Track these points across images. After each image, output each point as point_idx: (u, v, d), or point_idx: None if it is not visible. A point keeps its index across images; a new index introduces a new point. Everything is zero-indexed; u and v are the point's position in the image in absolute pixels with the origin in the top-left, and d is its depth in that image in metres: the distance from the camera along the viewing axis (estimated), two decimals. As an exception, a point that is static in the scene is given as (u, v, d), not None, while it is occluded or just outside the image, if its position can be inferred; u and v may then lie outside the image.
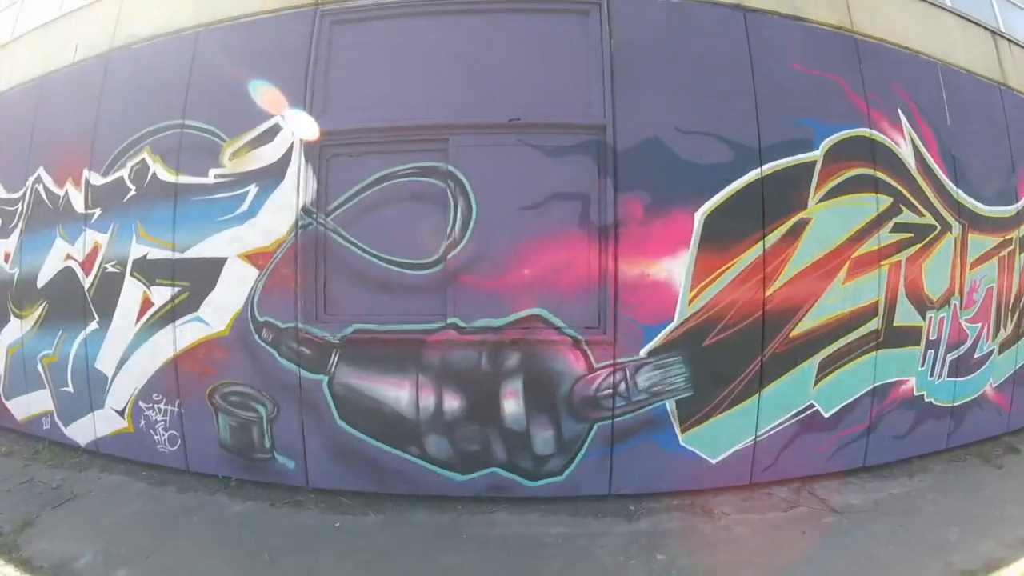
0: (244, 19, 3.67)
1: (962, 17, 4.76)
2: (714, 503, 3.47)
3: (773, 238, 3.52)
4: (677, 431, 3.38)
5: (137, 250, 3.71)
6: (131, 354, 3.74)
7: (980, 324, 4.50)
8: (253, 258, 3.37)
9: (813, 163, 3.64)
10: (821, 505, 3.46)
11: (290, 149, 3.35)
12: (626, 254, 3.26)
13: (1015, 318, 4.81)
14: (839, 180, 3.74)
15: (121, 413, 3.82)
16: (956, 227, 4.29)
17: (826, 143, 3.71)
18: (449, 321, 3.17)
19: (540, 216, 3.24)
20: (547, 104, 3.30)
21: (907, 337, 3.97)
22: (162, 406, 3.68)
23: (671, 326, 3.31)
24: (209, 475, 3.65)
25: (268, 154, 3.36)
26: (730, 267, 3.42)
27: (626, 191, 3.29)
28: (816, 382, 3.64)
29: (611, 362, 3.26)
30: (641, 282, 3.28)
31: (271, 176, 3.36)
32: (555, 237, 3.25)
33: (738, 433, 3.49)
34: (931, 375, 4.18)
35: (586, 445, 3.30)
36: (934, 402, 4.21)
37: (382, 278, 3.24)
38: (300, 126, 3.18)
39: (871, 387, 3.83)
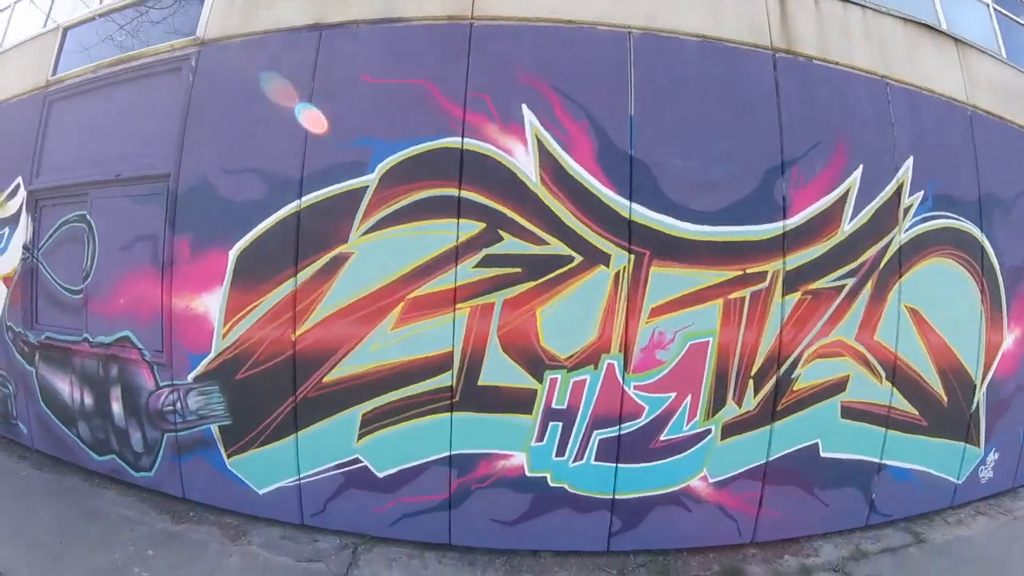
0: (14, 99, 4.31)
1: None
2: (254, 532, 3.09)
3: (305, 275, 2.87)
4: (223, 454, 3.11)
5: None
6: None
7: (673, 394, 2.74)
8: (5, 280, 4.20)
9: (364, 189, 2.83)
10: (334, 568, 2.73)
11: (23, 202, 4.11)
12: (177, 290, 3.13)
13: (765, 389, 2.79)
14: (398, 206, 2.79)
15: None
16: (620, 257, 2.71)
17: (384, 164, 2.81)
18: (84, 336, 3.58)
19: (129, 255, 3.36)
20: (141, 158, 3.35)
21: (505, 401, 2.76)
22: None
23: (209, 357, 3.05)
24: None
25: (12, 206, 4.18)
26: (258, 305, 2.93)
27: (179, 232, 3.13)
28: (360, 436, 2.86)
29: (170, 383, 3.20)
30: (187, 315, 3.11)
31: (13, 222, 4.15)
32: (137, 273, 3.31)
33: (281, 470, 3.01)
34: (558, 454, 2.77)
35: (161, 450, 3.32)
36: (570, 489, 2.81)
37: (61, 299, 3.79)
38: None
39: (446, 454, 2.81)
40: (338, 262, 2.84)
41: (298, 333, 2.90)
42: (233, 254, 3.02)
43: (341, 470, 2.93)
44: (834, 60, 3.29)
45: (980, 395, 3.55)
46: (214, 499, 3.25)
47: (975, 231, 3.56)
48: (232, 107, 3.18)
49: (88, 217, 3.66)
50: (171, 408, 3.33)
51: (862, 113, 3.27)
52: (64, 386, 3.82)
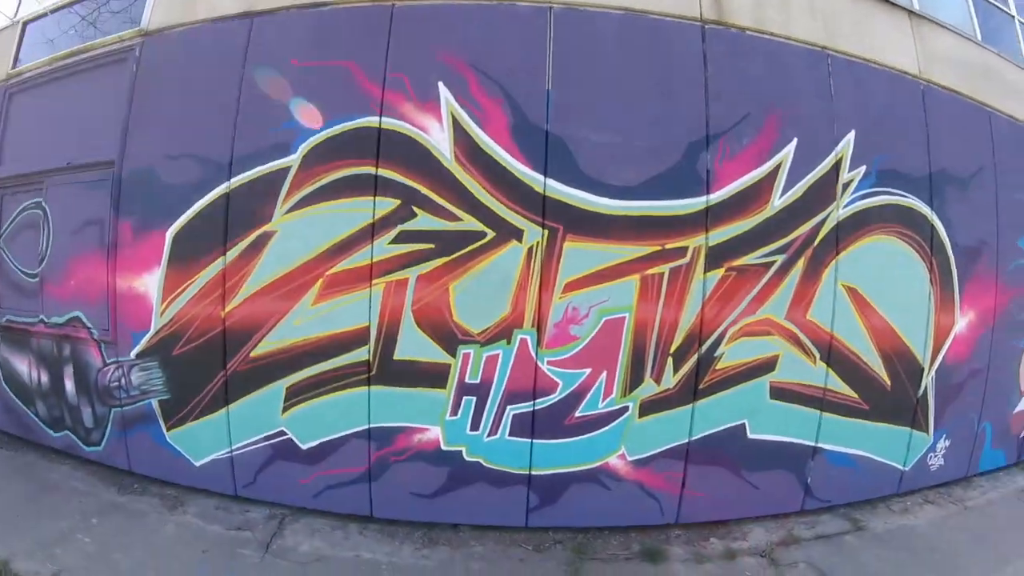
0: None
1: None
2: (191, 502, 3.22)
3: (233, 254, 2.98)
4: (163, 428, 3.24)
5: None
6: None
7: (588, 370, 2.75)
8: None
9: (287, 169, 2.89)
10: (260, 537, 2.85)
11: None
12: (121, 270, 3.28)
13: (685, 367, 2.76)
14: (318, 185, 2.87)
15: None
16: (533, 232, 2.73)
17: (306, 145, 2.89)
18: (39, 317, 3.77)
19: (80, 239, 3.52)
20: (91, 146, 3.49)
21: (419, 376, 2.81)
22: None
23: (149, 334, 3.19)
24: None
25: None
26: (192, 283, 3.05)
27: (123, 216, 3.27)
28: (285, 409, 2.95)
29: (116, 360, 3.37)
30: (129, 294, 3.25)
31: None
32: (86, 255, 3.47)
33: (215, 442, 3.14)
34: (472, 429, 2.81)
35: (109, 425, 3.49)
36: (485, 464, 2.84)
37: (20, 283, 3.97)
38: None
39: (365, 427, 2.88)
40: (263, 240, 2.93)
41: (227, 310, 3.01)
42: (169, 235, 3.14)
43: (268, 442, 3.04)
44: (770, 31, 3.22)
45: (928, 380, 3.45)
46: (156, 471, 3.40)
47: (924, 209, 3.46)
48: (171, 95, 3.30)
49: (44, 204, 3.84)
50: (116, 384, 3.48)
51: (799, 85, 3.20)
52: (23, 366, 4.02)
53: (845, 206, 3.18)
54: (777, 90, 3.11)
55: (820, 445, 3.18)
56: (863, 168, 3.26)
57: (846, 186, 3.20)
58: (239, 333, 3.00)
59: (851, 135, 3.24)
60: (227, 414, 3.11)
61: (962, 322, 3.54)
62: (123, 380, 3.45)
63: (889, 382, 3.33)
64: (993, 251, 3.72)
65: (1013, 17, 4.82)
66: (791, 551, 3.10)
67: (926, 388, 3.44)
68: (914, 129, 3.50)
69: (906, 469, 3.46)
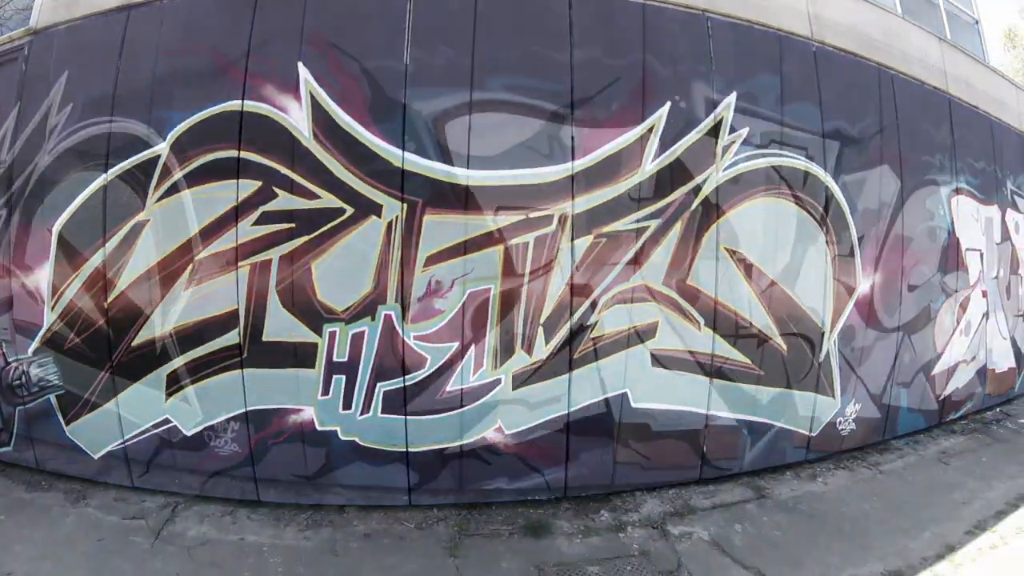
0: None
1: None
2: (93, 495, 3.25)
3: (112, 245, 3.04)
4: (62, 423, 3.31)
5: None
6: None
7: (456, 344, 2.75)
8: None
9: (157, 158, 2.95)
10: (152, 524, 2.90)
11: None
12: (15, 269, 3.32)
13: (557, 337, 2.75)
14: (186, 171, 2.92)
15: None
16: (392, 207, 2.74)
17: (175, 132, 2.95)
18: None
19: None
20: None
21: (289, 356, 2.85)
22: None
23: (43, 330, 3.25)
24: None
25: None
26: (76, 277, 3.12)
27: (16, 215, 3.29)
28: (168, 396, 3.00)
29: (16, 358, 3.44)
30: (24, 291, 3.31)
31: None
32: None
33: (108, 435, 3.19)
34: (345, 407, 2.83)
35: (16, 424, 3.55)
36: (361, 443, 2.86)
37: None
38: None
39: (242, 411, 2.92)
40: (137, 230, 3.00)
41: (109, 300, 3.09)
42: (55, 231, 3.21)
43: (156, 431, 3.09)
44: (645, -5, 3.27)
45: (830, 344, 3.42)
46: (61, 467, 3.44)
47: (817, 170, 3.42)
48: (55, 92, 3.39)
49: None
50: (19, 382, 3.56)
51: (675, 49, 3.20)
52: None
53: (725, 169, 3.17)
54: (649, 55, 3.11)
55: (713, 412, 3.16)
56: (745, 130, 3.25)
57: (726, 149, 3.20)
58: (121, 323, 3.06)
59: (731, 97, 3.23)
60: (116, 405, 3.17)
61: (865, 285, 3.50)
62: (24, 378, 3.53)
63: (785, 347, 3.32)
64: (899, 213, 3.70)
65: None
66: (685, 522, 3.07)
67: (828, 353, 3.44)
68: (804, 91, 3.46)
69: (813, 435, 3.43)
